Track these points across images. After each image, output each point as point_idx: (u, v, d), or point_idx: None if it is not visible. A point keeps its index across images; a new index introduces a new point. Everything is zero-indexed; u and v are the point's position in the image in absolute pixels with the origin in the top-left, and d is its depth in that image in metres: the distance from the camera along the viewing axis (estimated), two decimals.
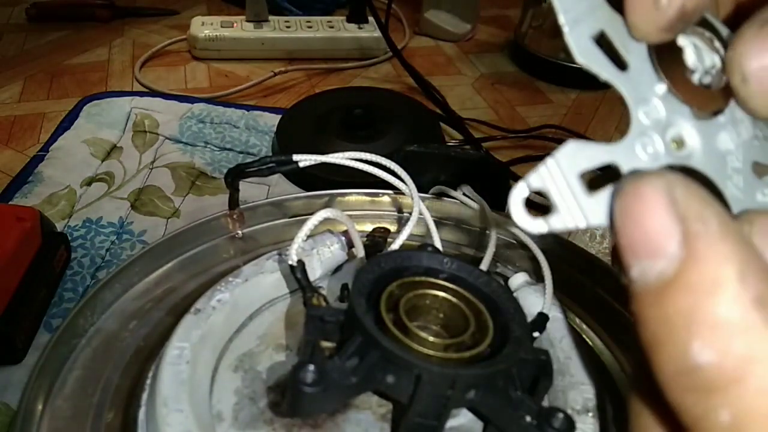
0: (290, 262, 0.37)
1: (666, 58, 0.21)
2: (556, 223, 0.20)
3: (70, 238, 0.67)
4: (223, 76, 1.06)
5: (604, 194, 0.20)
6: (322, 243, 0.43)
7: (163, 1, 1.27)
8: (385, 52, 1.12)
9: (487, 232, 0.50)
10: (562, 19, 0.20)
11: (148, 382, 0.36)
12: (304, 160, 0.43)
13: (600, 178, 0.20)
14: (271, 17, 1.12)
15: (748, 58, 0.19)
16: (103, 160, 0.81)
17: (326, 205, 0.54)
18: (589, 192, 0.20)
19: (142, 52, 1.08)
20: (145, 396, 0.35)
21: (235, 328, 0.40)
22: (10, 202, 0.72)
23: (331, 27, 1.13)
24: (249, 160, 0.45)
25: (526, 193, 0.20)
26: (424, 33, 1.23)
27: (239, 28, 1.10)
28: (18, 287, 0.57)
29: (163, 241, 0.47)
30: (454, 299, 0.35)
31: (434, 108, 0.92)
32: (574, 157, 0.20)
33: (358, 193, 0.55)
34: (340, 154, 0.44)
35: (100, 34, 1.15)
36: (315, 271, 0.42)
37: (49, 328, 0.58)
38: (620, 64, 0.21)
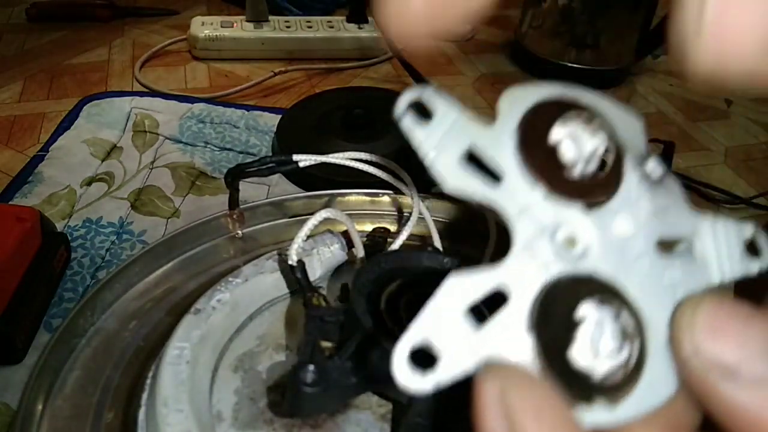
0: (290, 262, 0.37)
1: (542, 156, 0.20)
2: (445, 374, 0.18)
3: (70, 238, 0.67)
4: (223, 76, 1.05)
5: (495, 324, 0.19)
6: (323, 243, 0.43)
7: (163, 1, 1.27)
8: (385, 52, 1.12)
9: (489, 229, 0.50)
10: (423, 150, 0.19)
11: (148, 382, 0.36)
12: (304, 160, 0.43)
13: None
14: (271, 17, 1.12)
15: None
16: (103, 160, 0.81)
17: (326, 206, 0.54)
18: (479, 326, 0.19)
19: (142, 52, 1.08)
20: (145, 396, 0.35)
21: (235, 328, 0.40)
22: (10, 202, 0.72)
23: (331, 27, 1.13)
24: (249, 160, 0.45)
25: (407, 353, 0.18)
26: None
27: (239, 28, 1.10)
28: (18, 287, 0.57)
29: (163, 241, 0.48)
30: None
31: None
32: (457, 294, 0.19)
33: (358, 193, 0.55)
34: (340, 154, 0.44)
35: (100, 34, 1.15)
36: (315, 271, 0.42)
37: (49, 328, 0.58)
38: (494, 176, 0.20)
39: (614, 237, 0.20)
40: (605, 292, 0.20)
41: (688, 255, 0.21)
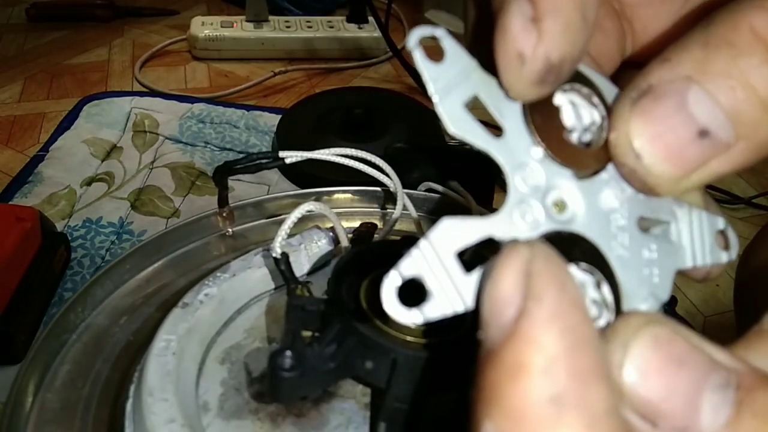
0: (274, 255, 0.38)
1: (543, 118, 0.21)
2: (433, 310, 0.19)
3: (70, 238, 0.68)
4: (223, 76, 1.06)
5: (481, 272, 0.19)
6: (310, 239, 0.44)
7: (163, 1, 1.28)
8: (385, 52, 1.13)
9: None
10: (431, 89, 0.20)
11: (136, 374, 0.37)
12: (291, 156, 0.44)
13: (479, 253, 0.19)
14: (271, 17, 1.13)
15: (635, 135, 0.19)
16: (103, 160, 0.82)
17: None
18: (467, 271, 0.19)
19: (142, 52, 1.09)
20: (132, 388, 0.36)
21: (223, 322, 0.40)
22: (10, 202, 0.73)
23: (331, 27, 1.14)
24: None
25: (398, 283, 0.19)
26: None
27: (239, 28, 1.10)
28: (18, 287, 0.58)
29: (154, 239, 0.48)
30: None
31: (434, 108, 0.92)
32: (449, 235, 0.19)
33: (346, 191, 0.55)
34: (327, 151, 0.45)
35: (100, 34, 1.16)
36: (303, 267, 0.43)
37: None
38: (496, 129, 0.20)
39: (600, 208, 0.21)
40: (594, 258, 0.20)
41: (664, 238, 0.22)
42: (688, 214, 0.22)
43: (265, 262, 0.42)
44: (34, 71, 1.03)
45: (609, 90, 0.22)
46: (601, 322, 0.20)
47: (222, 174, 0.45)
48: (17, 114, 0.92)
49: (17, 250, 0.58)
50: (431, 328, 0.33)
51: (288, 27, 1.12)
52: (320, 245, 0.44)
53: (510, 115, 0.20)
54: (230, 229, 0.51)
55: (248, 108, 0.95)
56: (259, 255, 0.43)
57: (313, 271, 0.44)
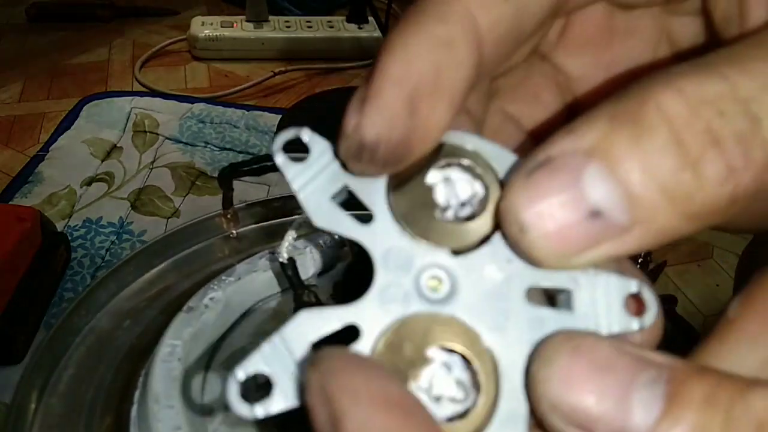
0: (281, 260, 0.37)
1: (411, 200, 0.20)
2: (275, 405, 0.18)
3: (70, 238, 0.68)
4: (223, 76, 1.06)
5: None
6: (315, 242, 0.43)
7: (163, 1, 1.27)
8: None
9: None
10: (293, 187, 0.20)
11: (141, 379, 0.36)
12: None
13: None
14: (271, 17, 1.12)
15: (523, 207, 0.18)
16: (103, 160, 0.82)
17: None
18: None
19: (142, 52, 1.08)
20: (137, 393, 0.36)
21: (228, 326, 0.40)
22: (10, 202, 0.73)
23: (331, 27, 1.13)
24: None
25: (242, 379, 0.18)
26: None
27: (239, 28, 1.10)
28: (18, 287, 0.58)
29: (157, 241, 0.48)
30: None
31: None
32: (305, 328, 0.19)
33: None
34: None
35: (100, 34, 1.15)
36: (308, 270, 0.43)
37: (49, 328, 0.58)
38: (367, 215, 0.20)
39: (482, 282, 0.20)
40: (460, 337, 0.19)
41: (565, 307, 0.20)
42: (593, 279, 0.20)
43: (271, 266, 0.42)
44: (34, 71, 1.03)
45: (505, 159, 0.21)
46: (468, 403, 0.19)
47: (227, 176, 0.44)
48: (17, 114, 0.92)
49: (17, 250, 0.58)
50: None
51: (288, 27, 1.12)
52: (326, 248, 0.43)
53: (377, 201, 0.20)
54: (234, 231, 0.50)
55: (248, 108, 0.94)
56: (264, 258, 0.42)
57: (319, 274, 0.43)
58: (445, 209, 0.20)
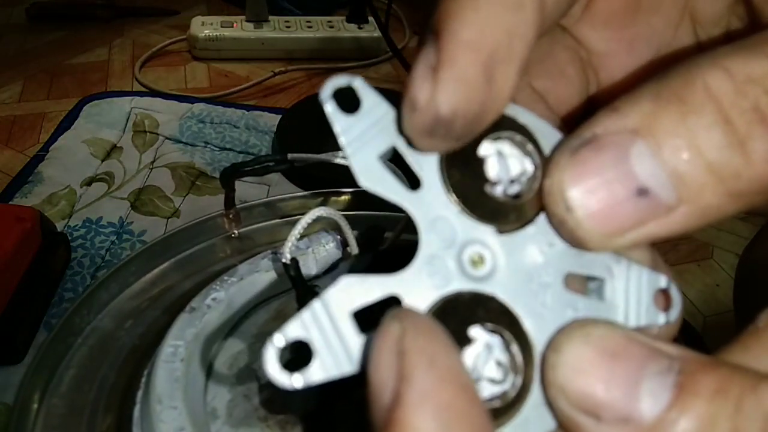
0: (284, 260, 0.37)
1: (463, 171, 0.19)
2: (316, 373, 0.18)
3: (70, 238, 0.68)
4: (223, 76, 1.06)
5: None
6: (318, 242, 0.43)
7: (163, 1, 1.27)
8: (385, 52, 1.12)
9: None
10: (342, 141, 0.19)
11: (143, 380, 0.36)
12: (299, 159, 0.44)
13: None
14: (271, 17, 1.12)
15: (569, 185, 0.18)
16: (103, 160, 0.81)
17: (321, 205, 0.54)
18: (362, 332, 0.18)
19: (142, 52, 1.08)
20: (140, 394, 0.36)
21: (230, 327, 0.40)
22: (10, 202, 0.72)
23: (331, 27, 1.13)
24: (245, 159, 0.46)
25: (282, 345, 0.17)
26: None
27: (239, 28, 1.10)
28: (18, 287, 0.57)
29: (159, 241, 0.48)
30: None
31: None
32: (347, 295, 0.18)
33: (353, 193, 0.55)
34: (333, 153, 0.44)
35: (100, 34, 1.15)
36: (311, 270, 0.43)
37: (49, 328, 0.58)
38: (414, 181, 0.19)
39: (522, 264, 0.20)
40: (501, 318, 0.19)
41: (596, 295, 0.20)
42: (626, 270, 0.21)
43: (273, 266, 0.42)
44: (34, 71, 1.02)
45: (551, 137, 0.20)
46: (506, 386, 0.19)
47: (229, 176, 0.44)
48: (17, 114, 0.92)
49: (17, 250, 0.58)
50: None
51: (288, 27, 1.12)
52: (328, 248, 0.43)
53: (428, 167, 0.19)
54: (236, 231, 0.50)
55: (248, 108, 0.94)
56: (266, 258, 0.42)
57: (321, 274, 0.43)
58: (494, 184, 0.20)
